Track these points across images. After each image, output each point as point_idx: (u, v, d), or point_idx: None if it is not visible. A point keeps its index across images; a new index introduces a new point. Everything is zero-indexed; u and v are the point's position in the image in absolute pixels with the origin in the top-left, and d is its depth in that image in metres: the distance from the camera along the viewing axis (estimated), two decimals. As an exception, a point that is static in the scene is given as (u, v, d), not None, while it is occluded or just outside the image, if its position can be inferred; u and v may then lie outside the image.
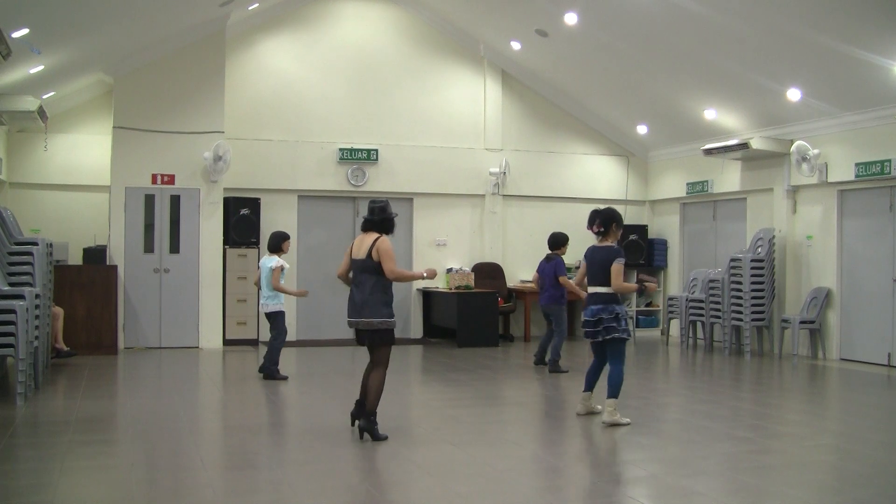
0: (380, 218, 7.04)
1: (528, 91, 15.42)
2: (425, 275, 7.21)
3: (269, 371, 10.21)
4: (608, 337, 7.61)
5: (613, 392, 7.64)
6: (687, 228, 15.53)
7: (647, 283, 8.00)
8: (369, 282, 6.87)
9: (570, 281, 10.53)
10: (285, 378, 10.24)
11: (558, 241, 11.32)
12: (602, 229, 7.75)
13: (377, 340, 6.91)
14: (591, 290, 7.75)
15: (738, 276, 12.67)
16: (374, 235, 6.96)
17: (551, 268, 11.12)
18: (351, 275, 7.09)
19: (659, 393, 9.84)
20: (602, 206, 8.03)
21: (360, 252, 6.96)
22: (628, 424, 7.61)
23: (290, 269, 10.83)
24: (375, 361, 6.99)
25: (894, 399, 9.77)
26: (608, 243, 7.74)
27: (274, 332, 10.30)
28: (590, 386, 8.01)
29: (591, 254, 7.79)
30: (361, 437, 6.91)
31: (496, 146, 15.18)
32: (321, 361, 12.04)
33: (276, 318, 10.32)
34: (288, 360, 11.85)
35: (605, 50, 13.05)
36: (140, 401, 8.87)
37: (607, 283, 7.60)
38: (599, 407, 7.98)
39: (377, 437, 6.85)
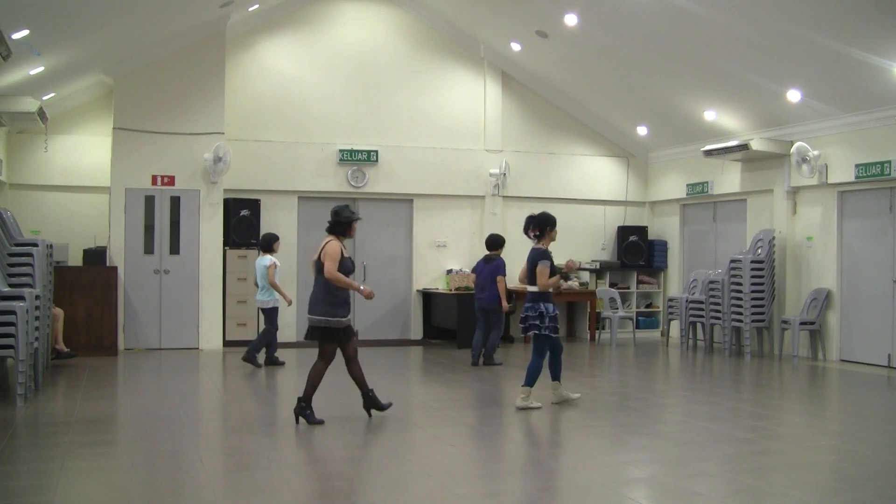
0: (331, 221, 7.65)
1: (529, 92, 15.42)
2: (362, 290, 7.59)
3: (250, 356, 11.17)
4: (529, 333, 8.23)
5: (529, 381, 8.25)
6: (687, 229, 15.54)
7: (563, 268, 8.34)
8: (318, 281, 7.53)
9: (504, 282, 11.50)
10: (261, 366, 11.24)
11: (496, 243, 11.89)
12: (538, 233, 8.36)
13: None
14: (529, 288, 8.32)
15: (738, 277, 12.67)
16: (326, 238, 7.62)
17: (491, 268, 11.68)
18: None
19: (659, 394, 9.84)
20: (537, 212, 8.55)
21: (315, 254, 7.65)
22: (539, 408, 8.21)
23: (286, 268, 11.32)
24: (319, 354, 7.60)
25: (894, 400, 9.77)
26: (542, 246, 8.30)
27: (268, 327, 11.30)
28: (555, 376, 8.52)
29: (530, 255, 8.36)
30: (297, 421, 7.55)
31: (496, 147, 15.18)
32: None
33: (270, 314, 11.25)
34: (288, 361, 11.85)
35: (605, 51, 13.06)
36: (140, 402, 8.87)
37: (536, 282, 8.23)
38: (575, 395, 8.59)
39: (311, 422, 7.50)
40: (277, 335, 11.59)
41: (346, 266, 7.50)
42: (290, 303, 11.49)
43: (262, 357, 11.51)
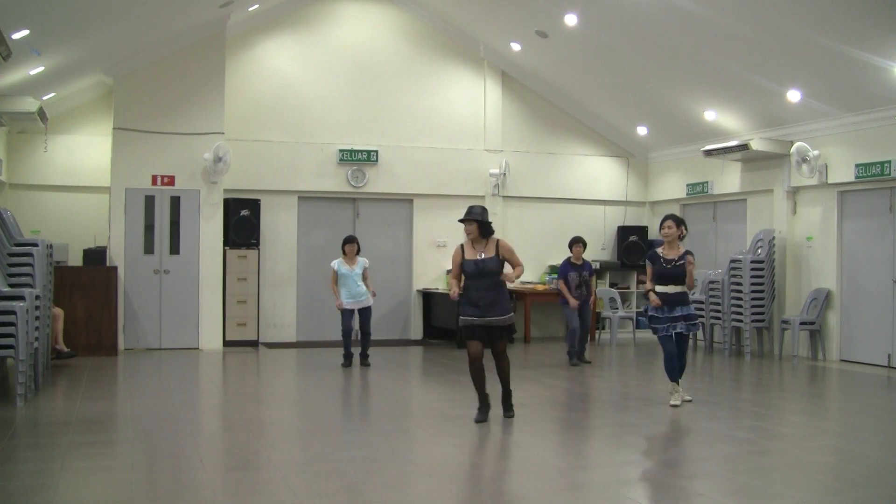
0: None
1: (528, 92, 15.42)
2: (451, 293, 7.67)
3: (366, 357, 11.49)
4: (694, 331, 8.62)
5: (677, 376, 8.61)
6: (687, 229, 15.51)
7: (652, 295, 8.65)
8: (488, 283, 7.55)
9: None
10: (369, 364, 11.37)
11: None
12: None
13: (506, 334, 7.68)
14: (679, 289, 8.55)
15: (738, 277, 12.67)
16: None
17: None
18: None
19: (659, 394, 9.82)
20: (673, 212, 9.03)
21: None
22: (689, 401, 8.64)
23: (287, 268, 11.20)
24: (504, 351, 7.76)
25: (894, 400, 9.77)
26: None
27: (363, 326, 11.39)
28: (679, 376, 8.64)
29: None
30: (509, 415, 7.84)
31: (496, 147, 15.18)
32: (321, 362, 12.01)
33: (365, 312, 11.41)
34: (288, 361, 11.87)
35: (605, 51, 13.06)
36: (140, 402, 8.87)
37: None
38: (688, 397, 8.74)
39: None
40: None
41: (466, 270, 7.57)
42: (341, 306, 11.29)
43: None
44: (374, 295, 11.33)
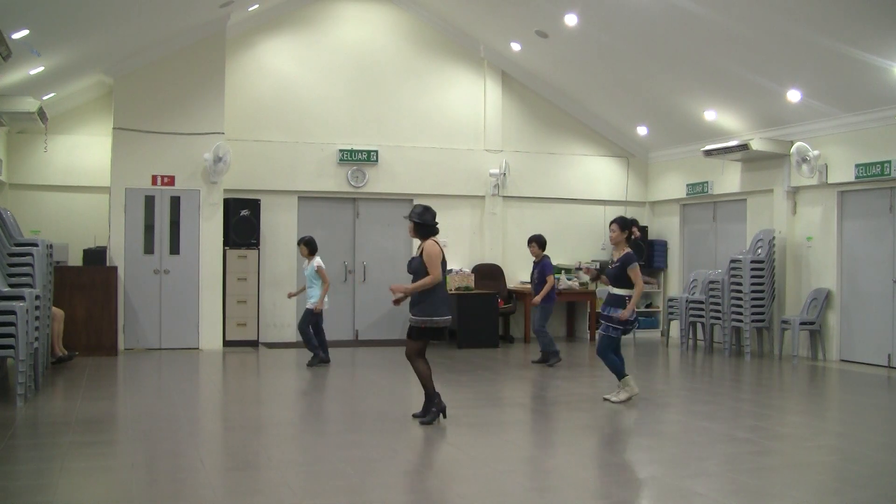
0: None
1: (528, 92, 15.42)
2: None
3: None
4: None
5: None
6: (687, 229, 15.53)
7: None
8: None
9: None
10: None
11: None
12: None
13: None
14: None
15: (738, 277, 12.67)
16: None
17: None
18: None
19: (659, 394, 9.83)
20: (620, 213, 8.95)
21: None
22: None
23: (288, 268, 11.24)
24: (409, 353, 7.69)
25: (894, 400, 9.77)
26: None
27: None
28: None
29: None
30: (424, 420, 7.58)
31: (496, 147, 15.18)
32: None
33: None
34: (289, 361, 11.86)
35: (606, 51, 13.06)
36: (140, 402, 8.87)
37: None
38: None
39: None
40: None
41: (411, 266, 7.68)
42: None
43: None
44: (290, 295, 12.13)
